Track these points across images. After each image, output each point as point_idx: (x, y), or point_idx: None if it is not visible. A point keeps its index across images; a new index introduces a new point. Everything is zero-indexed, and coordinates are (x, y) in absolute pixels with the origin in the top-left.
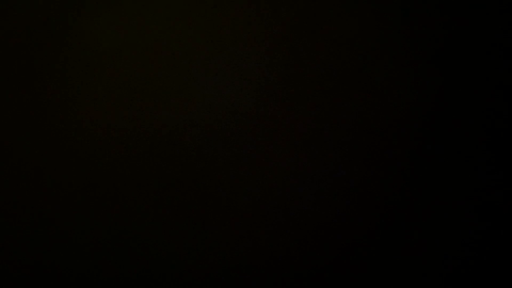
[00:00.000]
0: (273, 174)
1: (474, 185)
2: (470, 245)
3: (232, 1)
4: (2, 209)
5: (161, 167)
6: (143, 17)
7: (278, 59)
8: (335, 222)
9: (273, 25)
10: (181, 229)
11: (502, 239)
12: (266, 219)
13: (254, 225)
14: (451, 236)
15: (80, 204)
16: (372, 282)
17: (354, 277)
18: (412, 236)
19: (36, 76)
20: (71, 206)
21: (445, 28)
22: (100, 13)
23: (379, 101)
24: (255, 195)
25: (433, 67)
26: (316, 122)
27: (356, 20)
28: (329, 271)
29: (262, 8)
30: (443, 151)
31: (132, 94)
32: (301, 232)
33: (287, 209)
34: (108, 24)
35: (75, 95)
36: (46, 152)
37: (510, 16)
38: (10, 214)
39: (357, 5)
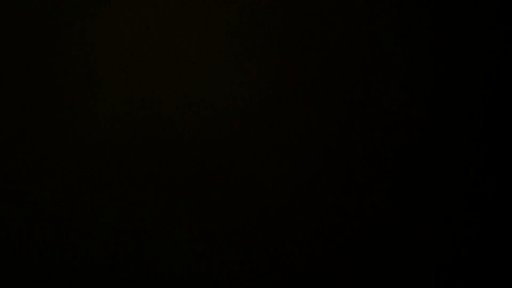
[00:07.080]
0: (273, 174)
1: (472, 185)
2: (469, 244)
3: (234, 1)
4: (3, 207)
5: (161, 167)
6: (144, 17)
7: (279, 60)
8: (335, 223)
9: (274, 25)
10: (181, 228)
11: (502, 239)
12: (266, 219)
13: (253, 225)
14: (449, 236)
15: (79, 203)
16: (372, 282)
17: (354, 277)
18: (411, 236)
19: (37, 76)
20: (71, 204)
21: (442, 29)
22: (102, 13)
23: (379, 101)
24: (255, 195)
25: (432, 68)
26: (316, 122)
27: (355, 21)
28: (329, 271)
29: (265, 7)
30: (443, 151)
31: (133, 94)
32: (301, 232)
33: (287, 209)
34: (110, 24)
35: (74, 95)
36: (47, 151)
37: (509, 15)
38: (10, 212)
39: (356, 6)
